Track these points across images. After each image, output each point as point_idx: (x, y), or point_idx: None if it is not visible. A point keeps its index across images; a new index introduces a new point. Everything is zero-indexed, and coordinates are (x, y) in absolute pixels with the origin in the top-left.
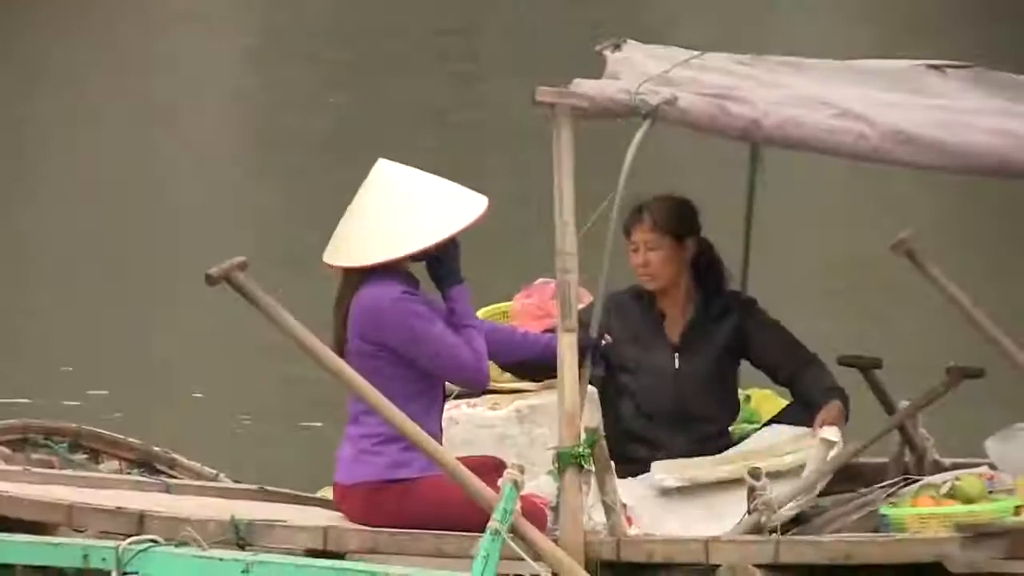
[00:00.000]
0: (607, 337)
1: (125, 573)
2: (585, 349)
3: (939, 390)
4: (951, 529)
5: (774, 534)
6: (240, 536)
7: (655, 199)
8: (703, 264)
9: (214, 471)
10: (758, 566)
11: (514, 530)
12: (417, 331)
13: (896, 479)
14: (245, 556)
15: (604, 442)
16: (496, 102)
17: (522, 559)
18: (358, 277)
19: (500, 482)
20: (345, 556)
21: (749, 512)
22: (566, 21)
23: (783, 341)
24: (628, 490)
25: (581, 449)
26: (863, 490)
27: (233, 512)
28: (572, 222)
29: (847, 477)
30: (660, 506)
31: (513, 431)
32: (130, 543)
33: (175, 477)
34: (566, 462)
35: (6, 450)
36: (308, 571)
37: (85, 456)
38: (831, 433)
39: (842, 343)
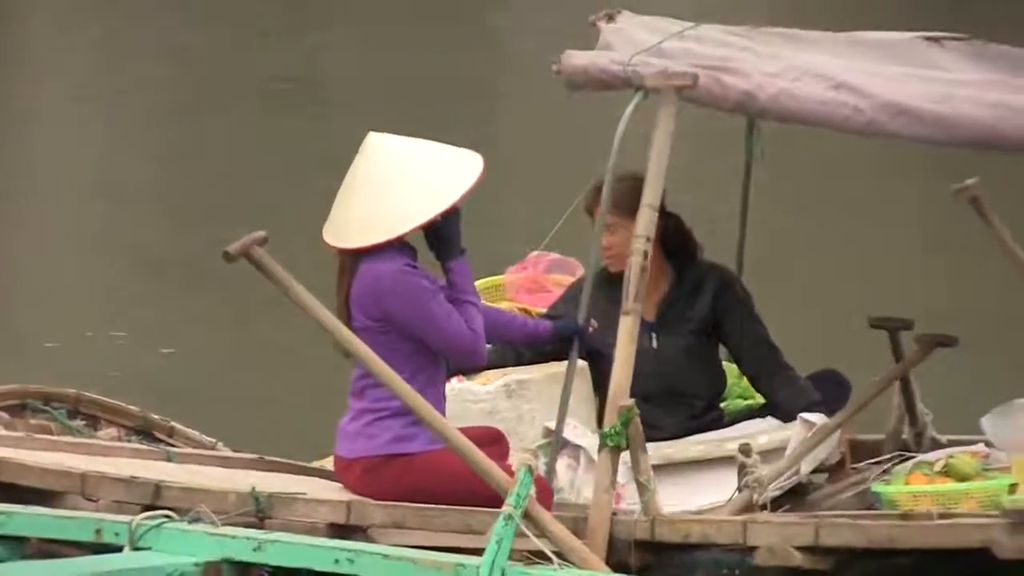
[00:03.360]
0: (593, 323)
1: (137, 548)
2: (571, 335)
3: (912, 360)
4: (943, 507)
5: (764, 510)
6: (260, 509)
7: (615, 179)
8: (672, 240)
9: (212, 440)
10: (798, 548)
11: (527, 515)
12: (418, 305)
13: (890, 455)
14: (258, 534)
15: (638, 419)
16: None
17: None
18: (357, 255)
19: (514, 466)
20: (368, 530)
21: (739, 489)
22: None
23: (755, 335)
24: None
25: (616, 428)
26: (858, 465)
27: (254, 484)
28: (656, 206)
29: (849, 450)
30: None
31: (502, 406)
32: (143, 518)
33: (174, 445)
34: (606, 442)
35: (5, 415)
36: (320, 550)
37: (83, 423)
38: (812, 416)
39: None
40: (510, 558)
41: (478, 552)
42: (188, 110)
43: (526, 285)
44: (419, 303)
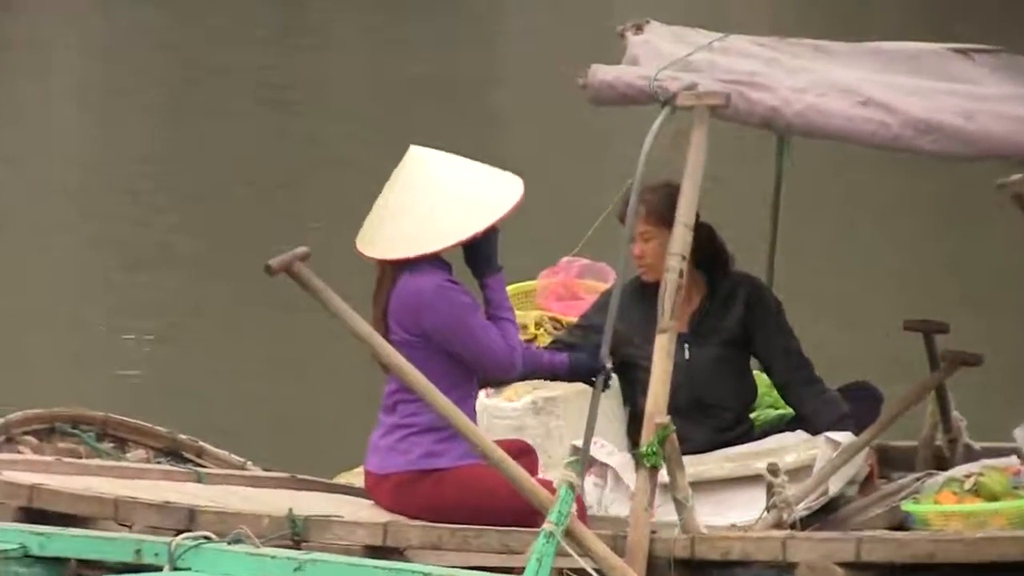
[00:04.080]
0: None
1: (176, 568)
2: (588, 373)
3: (936, 378)
4: (974, 527)
5: (792, 528)
6: (296, 532)
7: (649, 188)
8: (705, 251)
9: (242, 459)
10: (840, 564)
11: (568, 532)
12: (458, 320)
13: (918, 475)
14: (298, 555)
15: (675, 437)
16: None
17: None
18: (397, 267)
19: (555, 483)
20: (405, 552)
21: (768, 509)
22: None
23: (785, 347)
24: None
25: (653, 447)
26: (887, 485)
27: (291, 507)
28: (691, 224)
29: (877, 462)
30: (669, 500)
31: (529, 422)
32: (183, 539)
33: (203, 466)
34: (643, 461)
35: (33, 440)
36: (361, 570)
37: (112, 445)
38: (838, 435)
39: None
40: None
41: (516, 571)
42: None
43: (557, 291)
44: (459, 318)
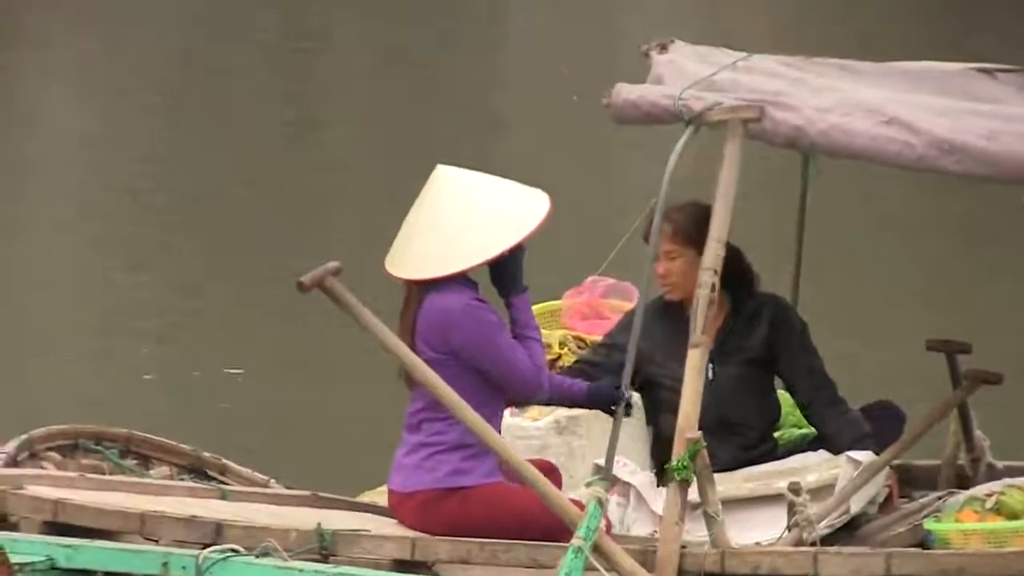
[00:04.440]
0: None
1: None
2: (606, 401)
3: (958, 396)
4: (994, 545)
5: (814, 546)
6: (324, 546)
7: (676, 207)
8: (730, 270)
9: (265, 477)
10: None
11: (597, 548)
12: (486, 338)
13: (939, 494)
14: (326, 568)
15: (705, 452)
16: None
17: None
18: (424, 286)
19: (584, 499)
20: (433, 566)
21: (789, 528)
22: None
23: (809, 367)
24: (663, 500)
25: (684, 462)
26: (909, 501)
27: (319, 521)
28: (724, 240)
29: (899, 481)
30: (691, 518)
31: (552, 441)
32: (211, 552)
33: (226, 483)
34: (674, 475)
35: (57, 456)
36: None
37: (135, 462)
38: (860, 455)
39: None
40: None
41: None
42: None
43: (582, 311)
44: (487, 337)
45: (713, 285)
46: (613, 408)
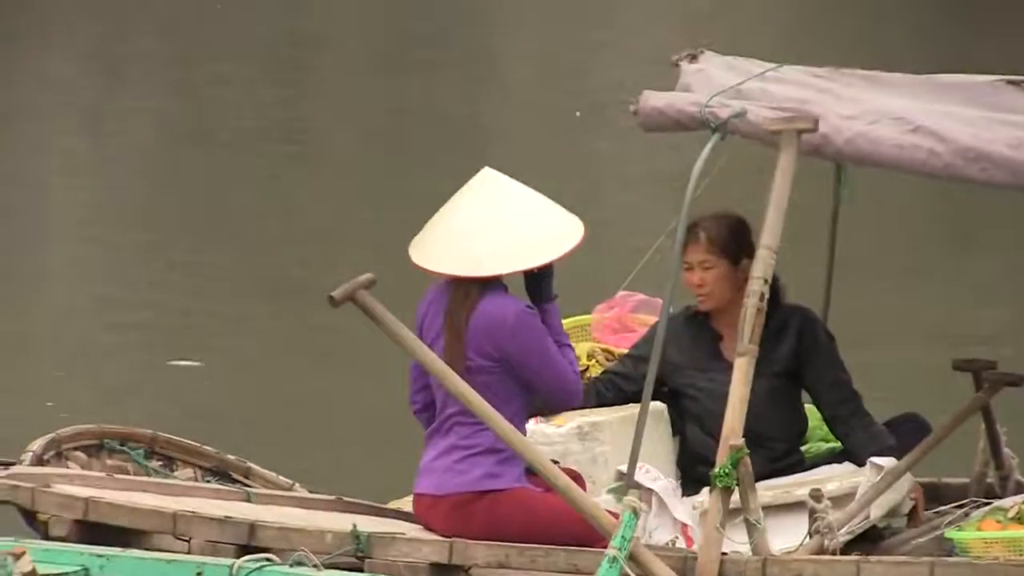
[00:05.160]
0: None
1: None
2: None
3: (981, 399)
4: (1014, 553)
5: (834, 554)
6: (360, 549)
7: (710, 216)
8: None
9: (289, 481)
10: None
11: (632, 557)
12: (539, 346)
13: (964, 501)
14: None
15: (748, 460)
16: None
17: None
18: (476, 289)
19: (619, 508)
20: (470, 570)
21: (810, 535)
22: None
23: (835, 379)
24: (687, 509)
25: (726, 469)
26: (935, 511)
27: (355, 523)
28: (775, 248)
29: (928, 498)
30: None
31: (574, 448)
32: (245, 561)
33: (251, 486)
34: (716, 483)
35: (82, 455)
36: None
37: (160, 463)
38: (882, 460)
39: None
40: None
41: None
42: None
43: (612, 325)
44: (540, 344)
45: (762, 294)
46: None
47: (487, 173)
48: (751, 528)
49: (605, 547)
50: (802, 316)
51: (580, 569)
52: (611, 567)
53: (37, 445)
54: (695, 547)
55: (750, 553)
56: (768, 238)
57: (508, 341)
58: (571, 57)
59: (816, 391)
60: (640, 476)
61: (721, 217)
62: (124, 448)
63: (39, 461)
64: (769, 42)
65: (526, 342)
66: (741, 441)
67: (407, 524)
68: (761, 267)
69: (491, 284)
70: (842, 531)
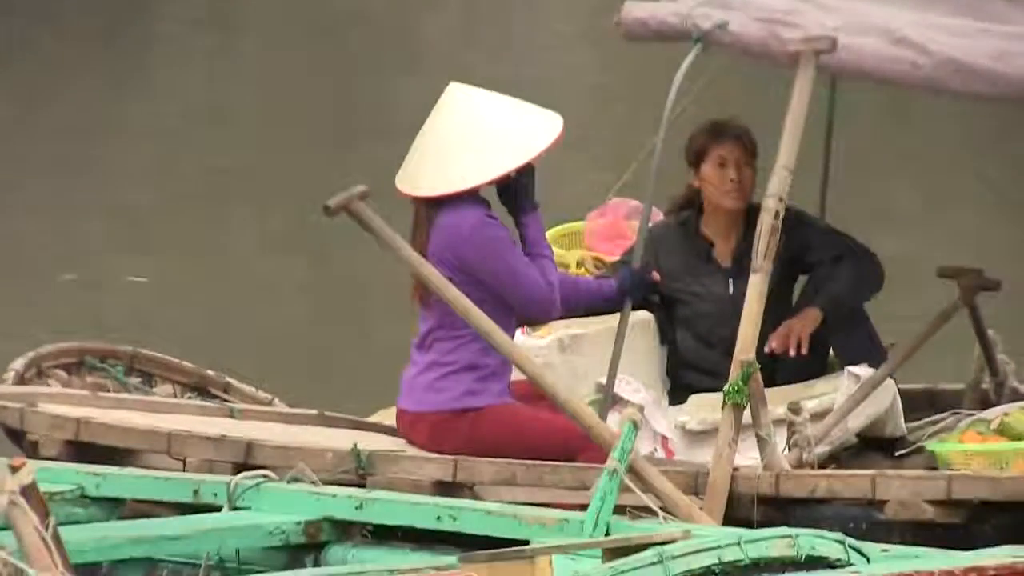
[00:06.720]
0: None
1: (235, 508)
2: (634, 285)
3: (955, 305)
4: (995, 466)
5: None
6: (361, 467)
7: (738, 124)
8: None
9: (268, 396)
10: (930, 502)
11: (632, 470)
12: (498, 256)
13: (944, 414)
14: (360, 493)
15: (759, 375)
16: None
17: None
18: (435, 204)
19: (619, 421)
20: (474, 488)
21: (789, 448)
22: None
23: (827, 232)
24: (667, 421)
25: (737, 385)
26: (919, 422)
27: (356, 441)
28: (791, 168)
29: (923, 404)
30: (693, 440)
31: (555, 360)
32: (242, 478)
33: (231, 401)
34: (727, 399)
35: (63, 373)
36: (423, 509)
37: (139, 379)
38: (859, 369)
39: None
40: (615, 513)
41: (581, 508)
42: None
43: (605, 232)
44: (498, 253)
45: (777, 212)
46: (649, 299)
47: (451, 89)
48: (762, 443)
49: (592, 460)
50: (790, 213)
51: (587, 485)
52: (611, 480)
53: (19, 363)
54: (675, 459)
55: (760, 468)
56: (785, 158)
57: (466, 250)
58: None
59: (815, 257)
60: (620, 388)
61: (744, 126)
62: (104, 365)
63: (21, 380)
64: None
65: (485, 251)
66: (752, 357)
67: (390, 438)
68: (777, 185)
69: (452, 198)
70: (820, 444)
